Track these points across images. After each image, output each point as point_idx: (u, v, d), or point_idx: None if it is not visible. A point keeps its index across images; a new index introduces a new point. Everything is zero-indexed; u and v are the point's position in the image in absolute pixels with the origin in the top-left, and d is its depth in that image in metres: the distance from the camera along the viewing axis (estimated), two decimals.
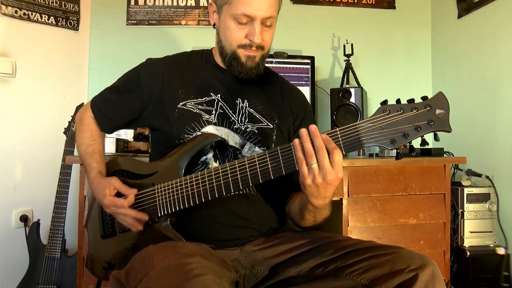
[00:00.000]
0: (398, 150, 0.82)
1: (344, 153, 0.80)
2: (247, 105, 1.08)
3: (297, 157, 0.81)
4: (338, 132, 0.81)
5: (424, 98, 0.78)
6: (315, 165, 0.79)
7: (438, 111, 0.77)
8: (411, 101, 0.78)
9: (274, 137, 1.08)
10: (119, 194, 0.99)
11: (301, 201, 0.97)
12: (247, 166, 0.88)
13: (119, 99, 1.12)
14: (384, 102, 0.79)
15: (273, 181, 0.87)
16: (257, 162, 0.87)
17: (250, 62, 1.03)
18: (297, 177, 0.85)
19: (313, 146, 0.80)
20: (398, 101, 0.79)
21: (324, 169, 0.78)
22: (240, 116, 1.07)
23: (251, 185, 0.89)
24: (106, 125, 1.16)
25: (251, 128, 1.07)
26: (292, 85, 1.22)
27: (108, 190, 0.98)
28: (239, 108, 1.08)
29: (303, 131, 0.81)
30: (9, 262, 1.93)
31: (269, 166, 0.85)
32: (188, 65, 1.12)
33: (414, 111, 0.77)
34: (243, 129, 1.06)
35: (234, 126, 1.06)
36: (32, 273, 1.78)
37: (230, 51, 1.04)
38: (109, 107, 1.14)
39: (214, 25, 1.09)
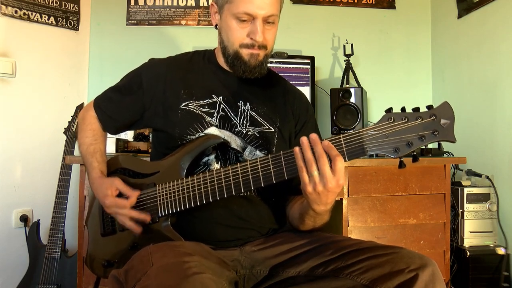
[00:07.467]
0: (401, 159, 0.81)
1: (346, 160, 0.79)
2: (248, 108, 1.07)
3: (298, 165, 0.81)
4: (342, 139, 0.80)
5: (430, 107, 0.77)
6: (315, 173, 0.79)
7: (443, 121, 0.76)
8: (416, 109, 0.78)
9: (275, 141, 1.07)
10: (120, 195, 0.99)
11: (302, 205, 0.96)
12: (249, 169, 0.87)
13: (121, 99, 1.12)
14: (389, 110, 0.79)
15: (274, 183, 0.86)
16: (259, 166, 0.86)
17: (254, 60, 1.02)
18: (296, 181, 0.84)
19: (314, 154, 0.79)
20: (403, 109, 0.78)
21: (325, 176, 0.78)
22: (241, 119, 1.06)
23: (252, 188, 0.88)
24: (109, 125, 1.16)
25: (253, 132, 1.06)
26: (295, 88, 1.20)
27: (110, 191, 0.98)
28: (240, 111, 1.07)
29: (304, 139, 0.80)
30: (9, 262, 1.93)
31: (272, 170, 0.85)
32: (190, 66, 1.12)
33: (419, 120, 0.77)
34: (244, 132, 1.05)
35: (236, 129, 1.05)
36: (32, 273, 1.78)
37: (233, 51, 1.03)
38: (111, 107, 1.13)
39: (216, 26, 1.09)
